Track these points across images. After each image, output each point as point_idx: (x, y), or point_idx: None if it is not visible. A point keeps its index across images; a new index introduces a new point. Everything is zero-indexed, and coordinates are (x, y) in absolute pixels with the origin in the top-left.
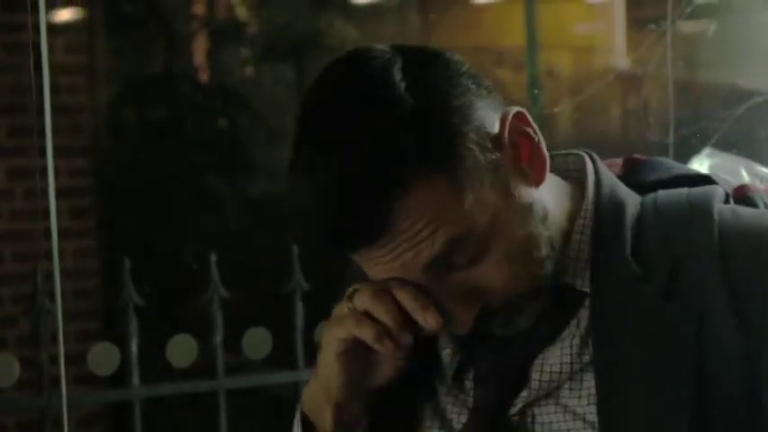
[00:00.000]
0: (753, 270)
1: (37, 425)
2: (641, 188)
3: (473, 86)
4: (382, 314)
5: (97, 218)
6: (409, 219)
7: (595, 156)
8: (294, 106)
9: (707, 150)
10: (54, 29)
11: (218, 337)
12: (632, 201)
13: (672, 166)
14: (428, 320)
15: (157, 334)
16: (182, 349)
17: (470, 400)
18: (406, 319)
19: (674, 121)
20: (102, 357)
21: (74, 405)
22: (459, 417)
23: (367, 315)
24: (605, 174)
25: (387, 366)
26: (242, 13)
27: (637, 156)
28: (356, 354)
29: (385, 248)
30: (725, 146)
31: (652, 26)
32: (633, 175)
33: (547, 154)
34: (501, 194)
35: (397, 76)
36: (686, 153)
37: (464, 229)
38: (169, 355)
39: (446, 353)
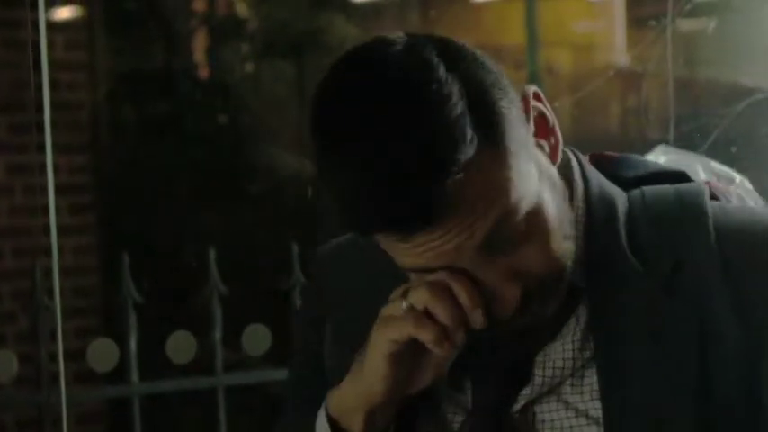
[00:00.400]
0: (751, 268)
1: (36, 422)
2: (621, 185)
3: (491, 66)
4: (444, 313)
5: (97, 215)
6: (466, 198)
7: (578, 153)
8: (294, 103)
9: (661, 147)
10: (53, 26)
11: (218, 334)
12: (620, 197)
13: (646, 162)
14: (477, 318)
15: (157, 330)
16: (181, 346)
17: (467, 398)
18: (463, 318)
19: (673, 119)
20: (102, 353)
21: (73, 402)
22: (454, 416)
23: (426, 314)
24: (591, 170)
25: (432, 369)
26: (242, 9)
27: (606, 153)
28: (406, 355)
29: (442, 230)
30: (724, 143)
31: (652, 22)
32: (609, 172)
33: (560, 133)
34: (535, 170)
35: (434, 58)
36: (687, 149)
37: (513, 206)
38: (169, 352)
39: None
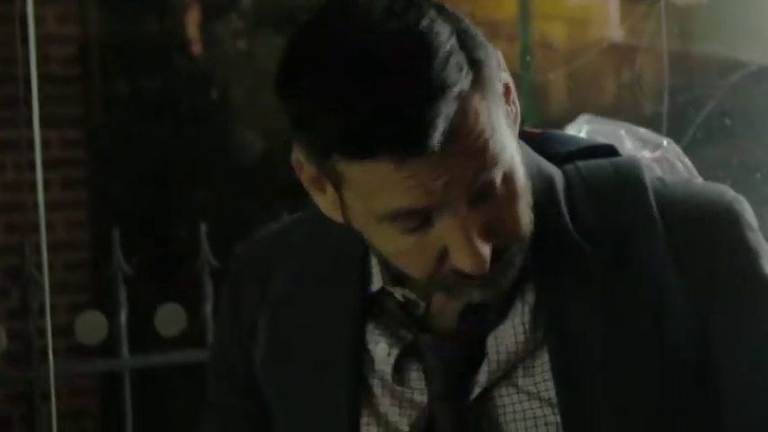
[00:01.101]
0: (693, 236)
1: (26, 396)
2: (552, 161)
3: (468, 21)
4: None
5: (89, 189)
6: (461, 132)
7: None
8: None
9: (584, 116)
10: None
11: (209, 308)
12: (557, 173)
13: (574, 137)
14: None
15: (148, 305)
16: (170, 318)
17: (414, 393)
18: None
19: (667, 90)
20: (90, 327)
21: (62, 376)
22: (399, 410)
23: None
24: (524, 146)
25: None
26: None
27: (528, 129)
28: None
29: (437, 160)
30: (719, 115)
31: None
32: (537, 148)
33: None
34: (511, 125)
35: (425, 4)
36: (680, 122)
37: (496, 155)
38: (158, 325)
39: (380, 347)
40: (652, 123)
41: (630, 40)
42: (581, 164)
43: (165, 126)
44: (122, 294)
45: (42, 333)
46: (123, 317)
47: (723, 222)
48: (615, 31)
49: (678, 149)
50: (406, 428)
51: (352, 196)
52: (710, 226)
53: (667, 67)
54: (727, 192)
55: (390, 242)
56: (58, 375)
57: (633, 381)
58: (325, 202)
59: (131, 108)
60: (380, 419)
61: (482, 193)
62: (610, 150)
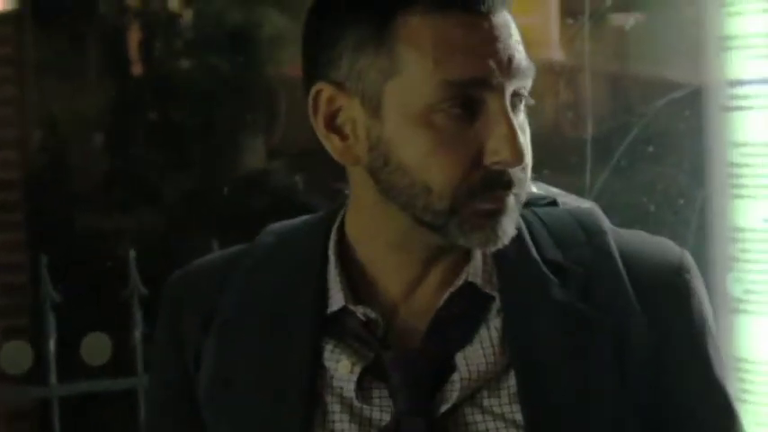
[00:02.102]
0: (651, 275)
1: None
2: None
3: None
4: None
5: (26, 211)
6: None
7: None
8: (228, 99)
9: None
10: None
11: (138, 335)
12: None
13: None
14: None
15: (75, 331)
16: (96, 347)
17: (374, 410)
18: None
19: (592, 117)
20: (16, 355)
21: None
22: (359, 428)
23: None
24: None
25: None
26: (175, 4)
27: None
28: None
29: (493, 29)
30: (643, 141)
31: (570, 21)
32: None
33: None
34: None
35: None
36: (605, 148)
37: (528, 66)
38: (83, 353)
39: (342, 364)
40: (577, 150)
41: (569, 61)
42: (537, 210)
43: (102, 148)
44: (51, 321)
45: None
46: (52, 344)
47: (681, 271)
48: (555, 52)
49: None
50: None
51: (401, 83)
52: (670, 273)
53: (591, 91)
54: (673, 244)
55: (428, 140)
56: None
57: (594, 410)
58: (338, 144)
59: (69, 129)
60: (362, 418)
61: (514, 101)
62: (552, 202)
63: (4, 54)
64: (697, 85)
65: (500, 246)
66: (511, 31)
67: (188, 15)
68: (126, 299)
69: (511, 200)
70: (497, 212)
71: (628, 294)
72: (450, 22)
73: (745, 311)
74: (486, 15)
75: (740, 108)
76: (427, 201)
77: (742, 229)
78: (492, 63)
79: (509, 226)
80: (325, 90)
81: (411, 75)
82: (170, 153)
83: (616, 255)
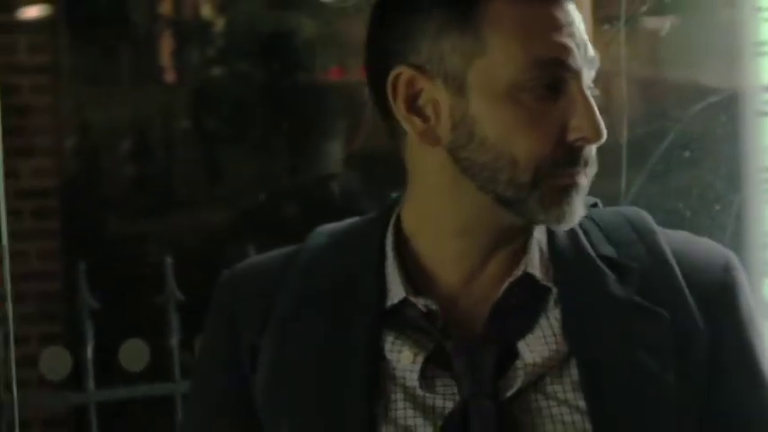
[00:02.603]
0: (701, 273)
1: None
2: None
3: None
4: None
5: (61, 219)
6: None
7: None
8: (260, 107)
9: None
10: (17, 28)
11: (175, 341)
12: None
13: None
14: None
15: (113, 337)
16: (134, 354)
17: (437, 398)
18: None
19: (627, 122)
20: (55, 362)
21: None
22: (423, 417)
23: None
24: None
25: None
26: (207, 12)
27: None
28: None
29: (570, 14)
30: (679, 146)
31: (606, 27)
32: None
33: None
34: None
35: None
36: (641, 153)
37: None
38: (122, 360)
39: (405, 354)
40: (612, 154)
41: (604, 66)
42: (589, 211)
43: (136, 155)
44: (89, 328)
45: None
46: (89, 350)
47: (729, 268)
48: None
49: None
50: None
51: (487, 64)
52: (719, 271)
53: (628, 96)
54: (717, 244)
55: (515, 116)
56: (24, 406)
57: (655, 402)
58: (420, 125)
59: (104, 137)
60: (400, 428)
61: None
62: (595, 204)
63: (39, 62)
64: (733, 90)
65: (573, 223)
66: (581, 20)
67: (220, 23)
68: (162, 305)
69: (584, 179)
70: (573, 189)
71: (683, 291)
72: (533, 5)
73: None
74: (563, 2)
75: None
76: (512, 173)
77: None
78: (572, 45)
79: (580, 205)
80: (404, 73)
81: (497, 55)
82: (204, 159)
83: (668, 252)
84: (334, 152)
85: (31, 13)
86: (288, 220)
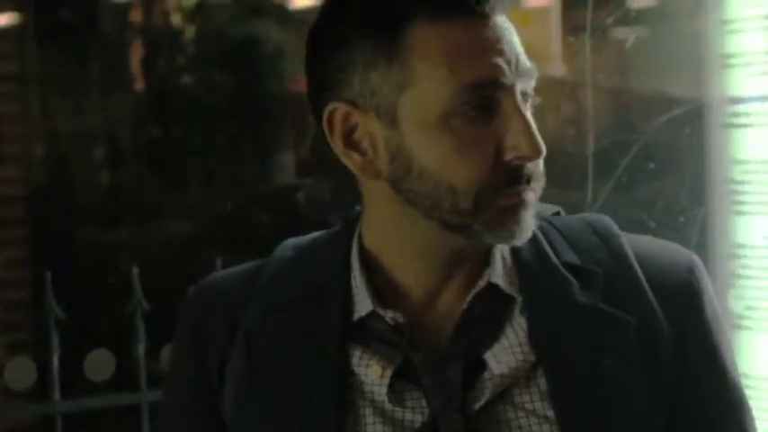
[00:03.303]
0: (665, 275)
1: None
2: None
3: None
4: None
5: (29, 228)
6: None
7: None
8: (229, 115)
9: None
10: None
11: (141, 350)
12: None
13: None
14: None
15: (77, 347)
16: (100, 363)
17: (406, 412)
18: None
19: (593, 132)
20: (19, 372)
21: None
22: (413, 416)
23: None
24: None
25: None
26: (177, 20)
27: None
28: None
29: (496, 30)
30: (644, 158)
31: (572, 38)
32: None
33: None
34: None
35: None
36: (607, 164)
37: (530, 68)
38: (87, 370)
39: (373, 369)
40: (578, 166)
41: (570, 77)
42: (550, 218)
43: (104, 164)
44: (54, 337)
45: None
46: (55, 360)
47: (693, 269)
48: (556, 67)
49: None
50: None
51: (416, 94)
52: (683, 272)
53: (593, 107)
54: (680, 246)
55: (449, 144)
56: None
57: (623, 407)
58: (359, 160)
59: (72, 145)
60: (395, 420)
61: (522, 93)
62: (557, 213)
63: (7, 70)
64: (698, 102)
65: (524, 240)
66: (513, 32)
67: (190, 31)
68: (129, 314)
69: (530, 195)
70: (518, 207)
71: (647, 294)
72: (457, 29)
73: (746, 328)
74: (488, 17)
75: (741, 125)
76: (453, 201)
77: (743, 246)
78: (501, 62)
79: (530, 220)
80: (339, 109)
81: (426, 84)
82: (172, 168)
83: (632, 256)
84: (304, 162)
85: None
86: (256, 229)
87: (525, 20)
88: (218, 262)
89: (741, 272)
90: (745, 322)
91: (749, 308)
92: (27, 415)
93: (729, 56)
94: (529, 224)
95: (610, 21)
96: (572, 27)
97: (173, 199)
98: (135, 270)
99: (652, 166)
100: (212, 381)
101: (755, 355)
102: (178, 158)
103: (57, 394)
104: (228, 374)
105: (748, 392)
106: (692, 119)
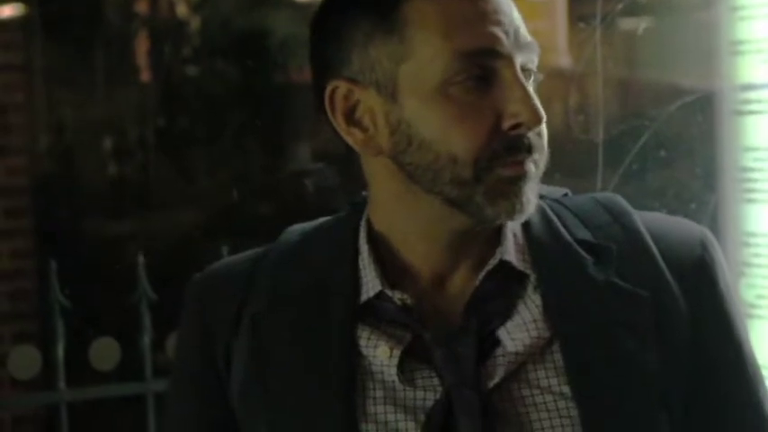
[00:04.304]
0: (678, 250)
1: None
2: None
3: None
4: None
5: (34, 218)
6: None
7: None
8: (236, 106)
9: None
10: None
11: (147, 340)
12: (543, 204)
13: None
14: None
15: (83, 336)
16: (105, 352)
17: (417, 391)
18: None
19: (603, 121)
20: (24, 361)
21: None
22: (404, 411)
23: None
24: None
25: None
26: (183, 11)
27: None
28: None
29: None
30: (654, 145)
31: (582, 25)
32: None
33: None
34: None
35: None
36: (617, 153)
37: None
38: (92, 359)
39: (381, 349)
40: (588, 153)
41: (578, 66)
42: (561, 199)
43: (110, 154)
44: (59, 326)
45: None
46: (60, 349)
47: (705, 244)
48: (563, 58)
49: None
50: (411, 428)
51: (414, 65)
52: (696, 247)
53: (603, 95)
54: (692, 222)
55: (448, 113)
56: None
57: (639, 381)
58: (360, 136)
59: (77, 136)
60: (379, 422)
61: (524, 76)
62: (566, 194)
63: (12, 60)
64: (708, 90)
65: (526, 215)
66: (512, 6)
67: (196, 22)
68: (135, 304)
69: (531, 166)
70: (519, 179)
71: (661, 269)
72: (455, 0)
73: (757, 316)
74: None
75: (751, 112)
76: (453, 172)
77: (754, 234)
78: (499, 32)
79: (532, 194)
80: (340, 87)
81: (423, 54)
82: (177, 158)
83: (645, 232)
84: (310, 151)
85: (4, 11)
86: (262, 219)
87: (533, 12)
88: (225, 250)
89: (752, 260)
90: (756, 311)
91: (760, 296)
92: (32, 404)
93: (740, 43)
94: (530, 198)
95: (619, 8)
96: (580, 16)
97: (178, 189)
98: (141, 259)
99: (663, 153)
100: (218, 367)
101: (767, 343)
102: (184, 148)
103: (62, 383)
104: (234, 359)
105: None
106: (703, 106)
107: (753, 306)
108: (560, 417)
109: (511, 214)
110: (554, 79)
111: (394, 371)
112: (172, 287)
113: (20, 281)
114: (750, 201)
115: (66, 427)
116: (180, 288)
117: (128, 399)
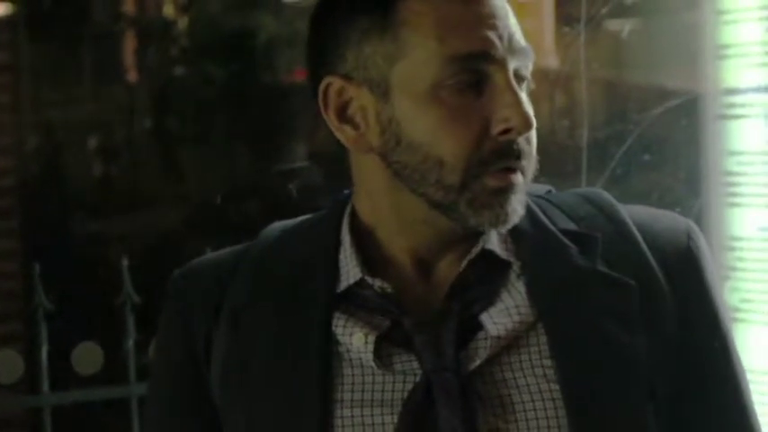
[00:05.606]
0: (664, 240)
1: None
2: None
3: None
4: None
5: (20, 219)
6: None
7: None
8: (222, 106)
9: None
10: None
11: (130, 343)
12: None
13: None
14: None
15: (66, 339)
16: (87, 357)
17: (396, 375)
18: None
19: (588, 124)
20: (7, 364)
21: None
22: (381, 395)
23: None
24: None
25: None
26: (170, 11)
27: None
28: None
29: (491, 7)
30: (639, 149)
31: (567, 29)
32: None
33: None
34: None
35: None
36: (601, 156)
37: (525, 45)
38: (74, 363)
39: (356, 336)
40: (572, 157)
41: (563, 68)
42: (545, 195)
43: (96, 155)
44: (43, 329)
45: None
46: (44, 352)
47: (691, 235)
48: (550, 59)
49: None
50: (387, 413)
51: (407, 65)
52: (682, 238)
53: (587, 98)
54: (677, 214)
55: (438, 115)
56: None
57: (625, 367)
58: (351, 133)
59: (64, 136)
60: (356, 410)
61: (517, 81)
62: (549, 191)
63: (1, 60)
64: (693, 94)
65: (509, 225)
66: (508, 12)
67: (183, 22)
68: (119, 307)
69: (519, 177)
70: (506, 190)
71: (647, 258)
72: (450, 2)
73: (742, 320)
74: None
75: (736, 116)
76: (440, 175)
77: (738, 238)
78: (493, 37)
79: (518, 205)
80: (334, 83)
81: (416, 56)
82: (163, 159)
83: (630, 222)
84: (298, 153)
85: None
86: (248, 220)
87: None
88: (209, 252)
89: (736, 264)
90: (740, 315)
91: (745, 300)
92: (16, 407)
93: (725, 47)
94: (516, 209)
95: (605, 11)
96: (566, 18)
97: (164, 191)
98: (125, 262)
99: (647, 157)
100: (199, 361)
101: (751, 347)
102: (170, 149)
103: (45, 387)
104: (215, 352)
105: None
106: (688, 110)
107: (737, 310)
108: (543, 399)
109: (495, 224)
110: (539, 81)
111: (371, 357)
112: (156, 290)
113: (4, 282)
114: (734, 205)
115: (50, 430)
116: (164, 291)
117: (112, 402)
